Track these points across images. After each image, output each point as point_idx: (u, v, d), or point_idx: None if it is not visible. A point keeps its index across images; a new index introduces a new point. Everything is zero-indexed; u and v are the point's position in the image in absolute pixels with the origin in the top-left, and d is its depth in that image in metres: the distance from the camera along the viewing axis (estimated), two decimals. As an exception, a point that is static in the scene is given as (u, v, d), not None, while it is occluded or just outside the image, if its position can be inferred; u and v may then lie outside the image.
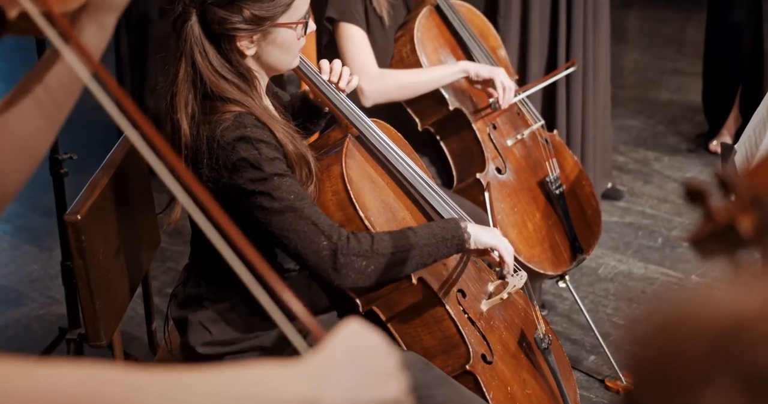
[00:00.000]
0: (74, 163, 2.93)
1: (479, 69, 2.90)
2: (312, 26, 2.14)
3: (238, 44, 2.02)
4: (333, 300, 2.25)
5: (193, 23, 1.99)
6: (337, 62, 2.31)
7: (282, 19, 2.02)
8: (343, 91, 2.31)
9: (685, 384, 0.51)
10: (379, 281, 2.04)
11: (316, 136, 2.44)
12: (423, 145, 3.04)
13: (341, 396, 0.89)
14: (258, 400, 0.86)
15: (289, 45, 2.07)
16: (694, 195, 0.85)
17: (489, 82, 2.91)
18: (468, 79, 2.91)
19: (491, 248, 2.17)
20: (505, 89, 2.90)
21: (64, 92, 1.15)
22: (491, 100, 2.94)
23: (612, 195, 4.44)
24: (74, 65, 1.01)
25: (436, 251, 2.07)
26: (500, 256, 2.19)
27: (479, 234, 2.14)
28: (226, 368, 0.87)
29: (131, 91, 4.37)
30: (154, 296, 3.50)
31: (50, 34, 1.00)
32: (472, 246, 2.13)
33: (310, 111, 2.35)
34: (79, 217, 2.03)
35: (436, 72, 2.91)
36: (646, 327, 0.55)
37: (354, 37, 2.86)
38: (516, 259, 2.78)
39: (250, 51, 2.03)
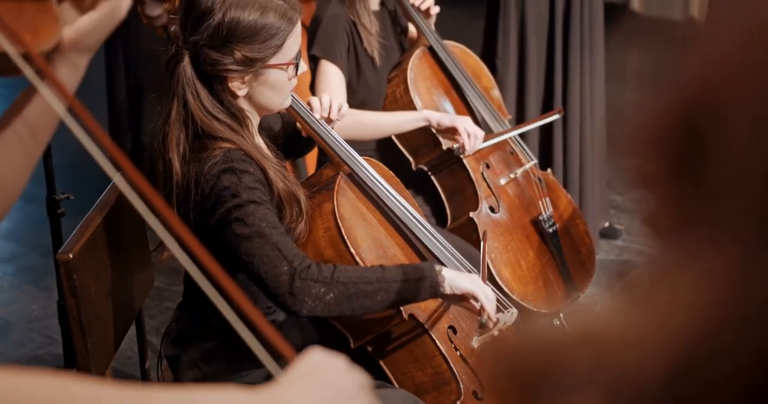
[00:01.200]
0: (71, 203, 2.96)
1: (441, 118, 2.91)
2: (303, 67, 2.17)
3: (230, 85, 2.05)
4: (324, 338, 2.26)
5: (186, 64, 2.03)
6: (325, 97, 2.35)
7: (273, 61, 2.06)
8: (337, 120, 2.34)
9: (557, 392, 0.53)
10: (343, 313, 2.00)
11: (312, 163, 2.47)
12: (417, 184, 3.07)
13: None
14: None
15: (280, 86, 2.10)
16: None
17: (453, 130, 2.91)
18: (431, 127, 2.93)
19: (470, 295, 2.11)
20: (470, 135, 2.90)
21: (42, 126, 1.20)
22: (455, 145, 2.93)
23: (609, 233, 4.46)
24: (51, 101, 1.06)
25: (405, 289, 2.03)
26: (480, 304, 2.12)
27: (456, 280, 2.09)
28: (194, 389, 0.89)
29: (130, 130, 4.40)
30: (152, 335, 3.51)
31: (28, 72, 1.05)
32: (448, 291, 2.08)
33: (303, 138, 2.39)
34: (71, 256, 2.05)
35: (397, 117, 2.94)
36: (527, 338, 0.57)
37: (328, 74, 2.90)
38: (509, 297, 2.81)
39: (241, 92, 2.06)
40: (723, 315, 0.44)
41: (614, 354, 0.49)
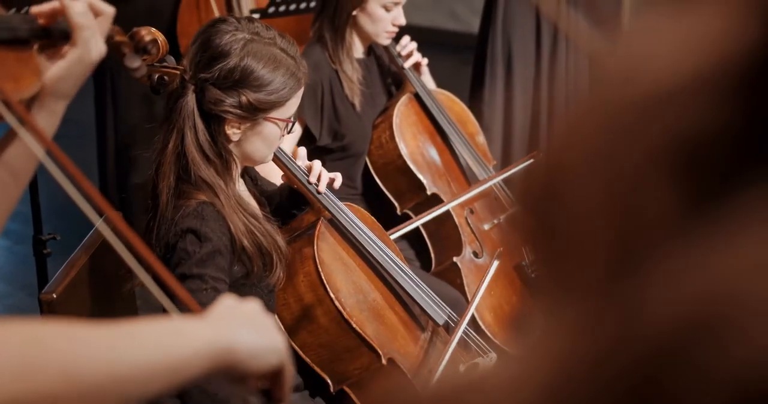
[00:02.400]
0: (58, 244, 2.98)
1: None
2: (297, 128, 2.21)
3: (226, 127, 2.07)
4: (303, 380, 2.28)
5: (189, 99, 2.06)
6: (325, 174, 2.33)
7: (273, 114, 2.09)
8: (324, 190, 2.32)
9: None
10: None
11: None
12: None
13: (248, 341, 1.03)
14: (178, 348, 0.98)
15: (272, 139, 2.13)
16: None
17: None
18: None
19: None
20: None
21: (22, 169, 1.25)
22: None
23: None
24: (31, 144, 1.10)
25: None
26: None
27: None
28: (144, 321, 0.99)
29: (117, 171, 4.40)
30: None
31: (9, 118, 1.10)
32: None
33: (297, 199, 2.41)
34: (54, 296, 2.07)
35: None
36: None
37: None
38: (491, 342, 2.83)
39: (235, 137, 2.09)
40: (572, 366, 0.48)
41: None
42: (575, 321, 0.48)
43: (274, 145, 2.16)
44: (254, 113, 2.07)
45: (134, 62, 1.50)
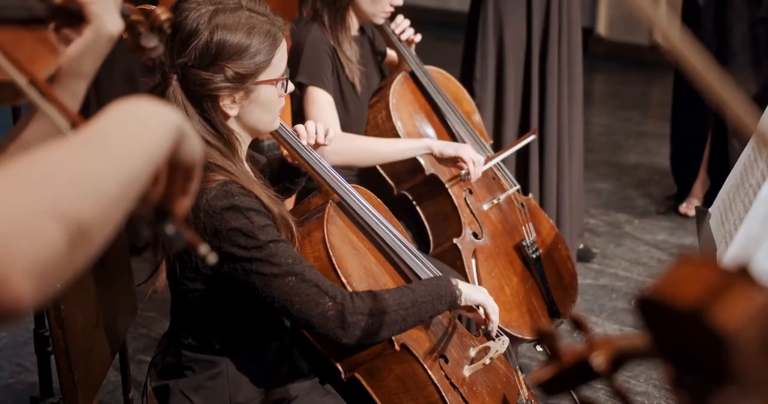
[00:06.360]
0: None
1: (443, 147, 2.90)
2: (291, 86, 2.16)
3: (221, 104, 2.02)
4: (314, 367, 2.23)
5: (175, 87, 2.01)
6: (310, 123, 2.34)
7: (263, 77, 2.05)
8: (324, 145, 2.32)
9: None
10: (381, 339, 2.08)
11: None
12: (398, 210, 3.05)
13: (188, 126, 1.03)
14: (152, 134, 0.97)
15: (270, 103, 2.09)
16: (543, 336, 0.95)
17: (456, 159, 2.91)
18: (433, 155, 2.92)
19: (479, 305, 2.26)
20: (475, 163, 2.90)
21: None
22: (462, 172, 2.93)
23: (584, 256, 4.46)
24: (54, 118, 1.09)
25: (432, 308, 2.13)
26: (486, 314, 2.27)
27: (470, 293, 2.24)
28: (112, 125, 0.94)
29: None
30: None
31: (34, 95, 1.10)
32: (463, 303, 2.22)
33: (290, 171, 2.36)
34: (58, 286, 2.00)
35: (398, 144, 2.92)
36: None
37: (318, 100, 2.88)
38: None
39: (232, 111, 2.04)
40: None
41: None
42: None
43: (276, 109, 2.12)
44: (243, 82, 2.02)
45: (151, 41, 1.45)
